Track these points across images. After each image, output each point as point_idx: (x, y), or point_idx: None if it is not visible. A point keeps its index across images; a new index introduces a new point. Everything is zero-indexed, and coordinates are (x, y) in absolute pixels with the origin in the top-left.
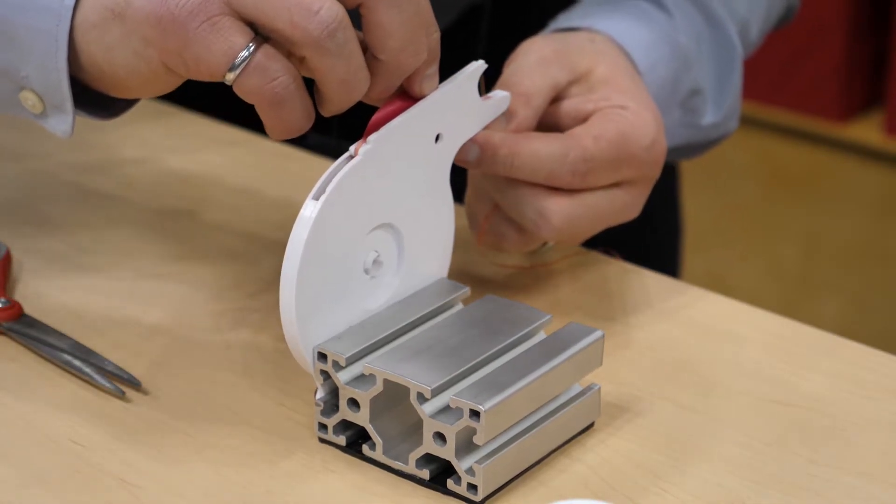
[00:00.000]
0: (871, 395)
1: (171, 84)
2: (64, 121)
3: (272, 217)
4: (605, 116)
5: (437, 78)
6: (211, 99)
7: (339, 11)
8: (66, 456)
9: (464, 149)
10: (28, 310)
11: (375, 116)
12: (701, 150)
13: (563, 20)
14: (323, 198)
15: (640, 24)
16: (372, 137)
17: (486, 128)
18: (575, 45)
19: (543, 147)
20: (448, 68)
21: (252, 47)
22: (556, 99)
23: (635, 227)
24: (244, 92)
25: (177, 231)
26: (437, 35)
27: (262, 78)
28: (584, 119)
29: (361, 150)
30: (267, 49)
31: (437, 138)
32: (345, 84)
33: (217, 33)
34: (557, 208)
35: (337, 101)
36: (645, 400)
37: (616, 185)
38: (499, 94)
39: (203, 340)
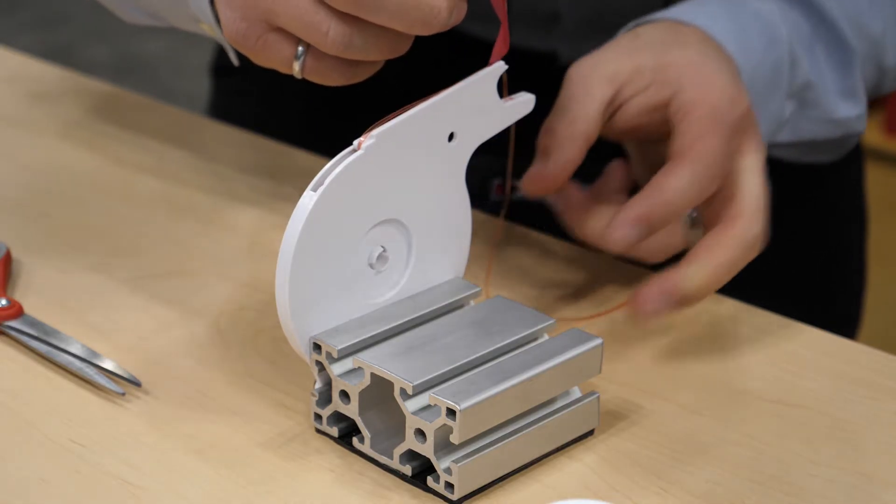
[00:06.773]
0: (871, 395)
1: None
2: (231, 50)
3: (273, 216)
4: (685, 119)
5: None
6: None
7: (345, 29)
8: (66, 456)
9: (624, 234)
10: (28, 310)
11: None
12: (841, 148)
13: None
14: (321, 189)
15: (729, 14)
16: (375, 132)
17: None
18: (616, 51)
19: (676, 181)
20: None
21: (301, 51)
22: (620, 106)
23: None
24: (317, 82)
25: (177, 231)
26: None
27: (321, 76)
28: (662, 108)
29: (364, 144)
30: (315, 51)
31: (451, 137)
32: (392, 48)
33: (269, 48)
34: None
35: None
36: (645, 400)
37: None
38: (522, 97)
39: (202, 340)
